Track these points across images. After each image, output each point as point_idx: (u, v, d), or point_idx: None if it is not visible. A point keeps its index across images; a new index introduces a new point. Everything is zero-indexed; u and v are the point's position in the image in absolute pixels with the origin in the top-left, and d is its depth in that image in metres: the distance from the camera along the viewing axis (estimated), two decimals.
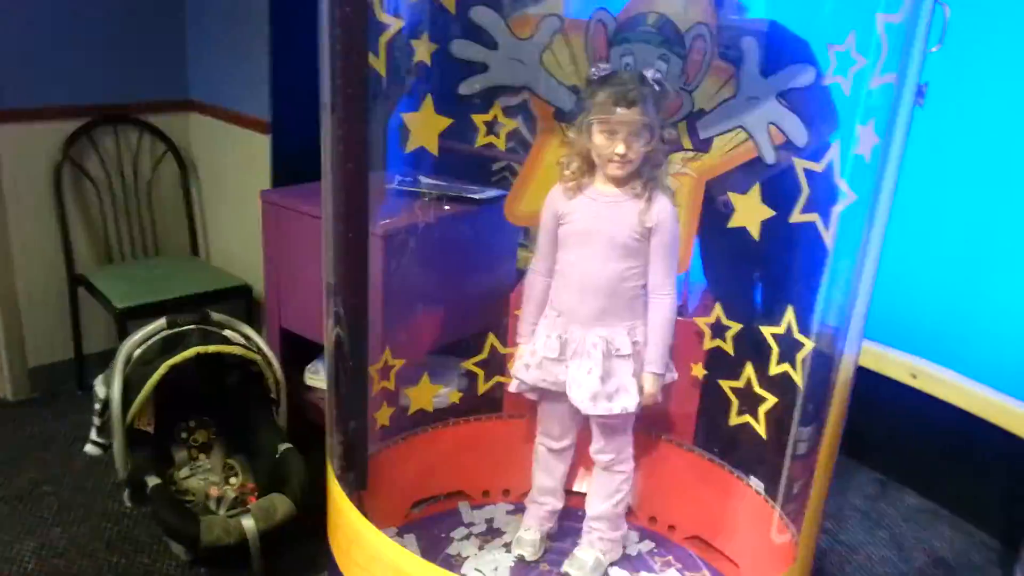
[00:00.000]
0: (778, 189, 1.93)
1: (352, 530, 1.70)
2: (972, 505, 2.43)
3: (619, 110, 1.68)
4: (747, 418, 2.10)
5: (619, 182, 1.77)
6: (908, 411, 2.47)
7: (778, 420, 2.03)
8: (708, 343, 2.16)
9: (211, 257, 3.14)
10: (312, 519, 1.97)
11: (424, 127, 1.99)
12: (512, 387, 1.97)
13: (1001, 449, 2.30)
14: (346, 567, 1.76)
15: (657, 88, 1.71)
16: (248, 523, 1.85)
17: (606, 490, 2.00)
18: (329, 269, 1.80)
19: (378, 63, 1.81)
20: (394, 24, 1.81)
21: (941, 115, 1.87)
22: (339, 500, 1.77)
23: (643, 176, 1.77)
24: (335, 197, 1.71)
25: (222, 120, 2.93)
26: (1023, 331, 2.33)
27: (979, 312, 2.23)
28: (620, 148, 1.69)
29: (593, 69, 1.79)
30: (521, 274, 2.23)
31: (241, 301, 2.78)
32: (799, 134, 1.90)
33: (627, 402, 1.83)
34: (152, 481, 1.94)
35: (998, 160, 2.32)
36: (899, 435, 2.51)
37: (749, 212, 1.97)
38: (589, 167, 1.79)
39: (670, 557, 2.14)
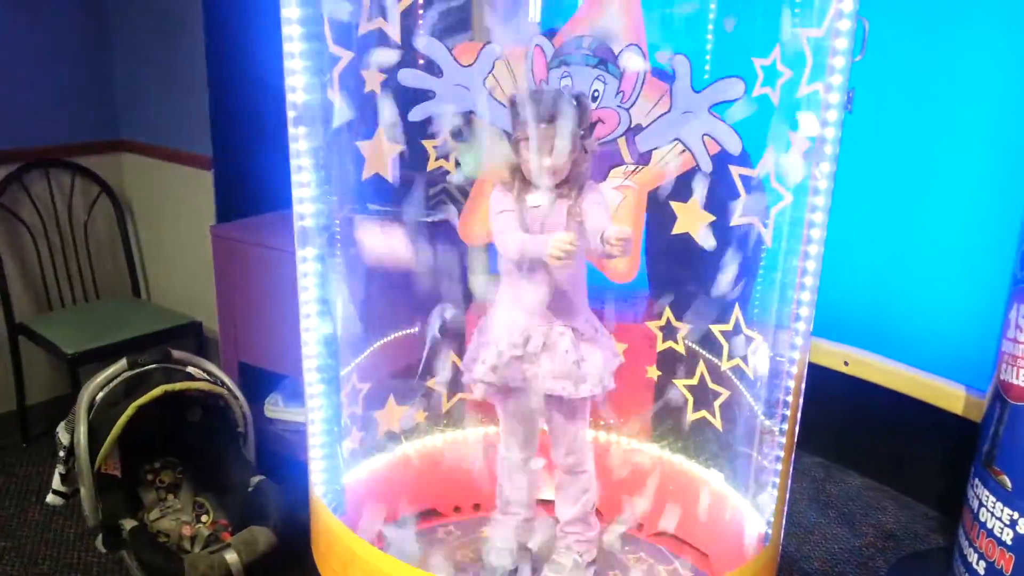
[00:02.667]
0: (717, 195, 2.06)
1: (347, 552, 1.73)
2: (911, 479, 2.60)
3: (543, 126, 1.77)
4: (703, 413, 2.22)
5: (550, 192, 1.86)
6: (843, 397, 2.63)
7: (731, 413, 2.16)
8: (660, 345, 2.27)
9: (154, 297, 3.10)
10: (291, 550, 1.98)
11: (377, 154, 2.05)
12: (477, 393, 2.01)
13: (931, 424, 2.48)
14: None
15: (575, 103, 1.81)
16: (231, 557, 1.85)
17: (573, 493, 2.07)
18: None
19: (333, 94, 1.87)
20: (345, 56, 1.87)
21: (870, 118, 2.04)
22: (329, 523, 1.79)
23: (573, 184, 1.86)
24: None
25: (158, 158, 2.92)
26: (941, 315, 2.53)
27: (901, 300, 2.41)
28: (547, 161, 1.79)
29: (514, 93, 1.89)
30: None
31: (191, 338, 2.76)
32: (732, 143, 2.03)
33: (605, 381, 1.93)
34: (128, 524, 1.92)
35: (920, 158, 2.52)
36: (837, 420, 2.67)
37: (691, 218, 2.10)
38: (523, 183, 1.88)
39: (641, 554, 2.23)
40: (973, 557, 2.05)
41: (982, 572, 2.02)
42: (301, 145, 1.78)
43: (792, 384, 1.88)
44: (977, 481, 2.06)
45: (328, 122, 1.86)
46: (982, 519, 2.01)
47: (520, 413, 2.02)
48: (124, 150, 3.00)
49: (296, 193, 1.80)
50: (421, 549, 2.03)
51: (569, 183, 1.85)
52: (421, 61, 2.05)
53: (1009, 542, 1.94)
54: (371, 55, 1.93)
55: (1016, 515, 1.93)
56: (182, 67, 2.70)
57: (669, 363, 2.27)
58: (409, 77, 2.09)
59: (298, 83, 1.74)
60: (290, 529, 2.00)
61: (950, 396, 2.42)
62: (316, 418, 1.97)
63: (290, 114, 1.74)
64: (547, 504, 2.20)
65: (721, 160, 2.03)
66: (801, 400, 1.91)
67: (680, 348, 2.24)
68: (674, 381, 2.26)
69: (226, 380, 2.22)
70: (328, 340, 2.02)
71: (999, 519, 1.96)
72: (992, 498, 1.98)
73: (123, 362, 2.12)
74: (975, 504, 2.05)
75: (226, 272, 2.46)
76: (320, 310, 1.97)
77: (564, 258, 1.70)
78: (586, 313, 1.95)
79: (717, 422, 2.20)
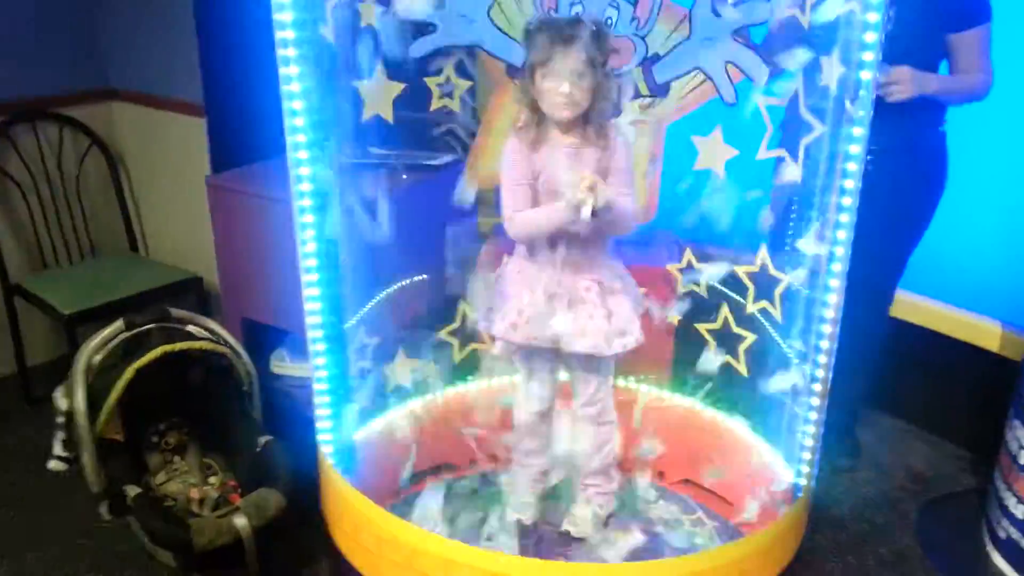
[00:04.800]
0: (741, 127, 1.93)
1: (359, 515, 1.66)
2: (941, 420, 2.52)
3: (558, 51, 1.64)
4: (726, 358, 2.13)
5: (570, 127, 1.74)
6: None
7: (758, 358, 2.06)
8: (681, 288, 2.17)
9: (153, 252, 3.00)
10: (301, 510, 1.91)
11: (377, 94, 1.92)
12: (498, 348, 1.93)
13: (964, 363, 2.38)
14: (352, 553, 1.72)
15: (593, 28, 1.68)
16: (241, 521, 1.78)
17: (594, 444, 1.99)
18: None
19: (327, 31, 1.74)
20: None
21: None
22: (340, 486, 1.72)
23: (592, 121, 1.74)
24: None
25: (149, 107, 2.79)
26: (975, 248, 2.41)
27: (933, 233, 2.27)
28: (564, 87, 1.66)
29: (529, 19, 1.76)
30: (483, 237, 2.20)
31: (192, 294, 2.66)
32: (758, 71, 1.89)
33: (637, 334, 1.83)
34: (132, 490, 1.85)
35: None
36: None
37: (712, 153, 1.97)
38: (539, 117, 1.75)
39: (662, 502, 2.16)
40: (1011, 500, 1.97)
41: (1020, 516, 1.94)
42: (294, 87, 1.65)
43: (826, 329, 1.77)
44: (1017, 423, 1.96)
45: (322, 62, 1.73)
46: (1022, 462, 1.93)
47: (543, 370, 1.93)
48: (114, 99, 2.86)
49: (290, 139, 1.68)
50: (438, 505, 1.97)
51: (591, 121, 1.72)
52: None
53: None
54: None
55: None
56: (168, 6, 2.55)
57: (690, 307, 2.16)
58: (408, 8, 1.95)
59: (287, 19, 1.60)
60: (300, 489, 1.92)
61: (986, 333, 2.31)
62: (321, 376, 1.89)
63: (280, 53, 1.61)
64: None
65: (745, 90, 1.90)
66: (835, 345, 1.81)
67: (702, 291, 2.13)
68: (696, 325, 2.16)
69: (228, 338, 2.13)
70: (331, 295, 1.93)
71: None
72: None
73: (120, 323, 2.02)
74: (1015, 447, 1.96)
75: (225, 225, 2.35)
76: (320, 263, 1.87)
77: (592, 201, 1.58)
78: (611, 262, 1.84)
79: (742, 367, 2.10)
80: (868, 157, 1.67)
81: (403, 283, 2.22)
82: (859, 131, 1.55)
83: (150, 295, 2.55)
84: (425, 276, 2.23)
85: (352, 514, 1.70)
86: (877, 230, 1.86)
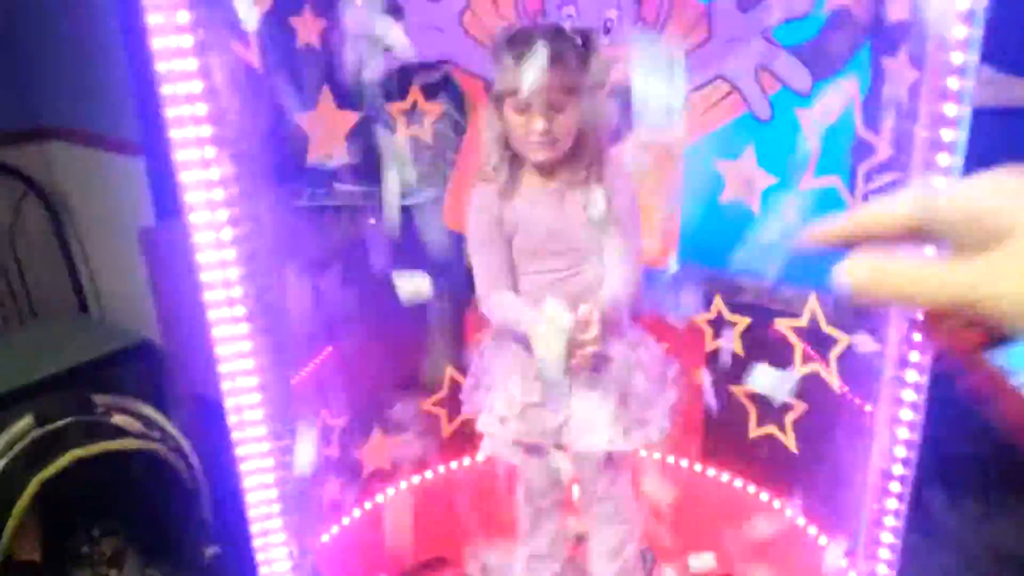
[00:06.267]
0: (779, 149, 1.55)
1: None
2: None
3: (529, 75, 1.26)
4: (771, 429, 1.74)
5: (551, 169, 1.36)
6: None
7: (809, 430, 1.68)
8: (710, 343, 1.79)
9: (107, 312, 2.65)
10: None
11: (325, 128, 1.57)
12: (485, 449, 1.56)
13: None
14: None
15: (579, 41, 1.30)
16: None
17: (612, 547, 1.62)
18: None
19: (250, 53, 1.38)
20: None
21: None
22: None
23: (584, 158, 1.36)
24: None
25: (91, 147, 2.45)
26: None
27: None
28: (538, 124, 1.28)
29: (496, 32, 1.39)
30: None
31: (142, 363, 2.31)
32: (799, 77, 1.51)
33: (661, 421, 1.47)
34: None
35: None
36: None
37: (743, 181, 1.59)
38: (513, 156, 1.37)
39: None
40: None
41: None
42: (203, 131, 1.28)
43: (907, 396, 1.37)
44: None
45: (244, 94, 1.37)
46: None
47: (543, 471, 1.55)
48: (50, 139, 2.52)
49: (192, 198, 1.32)
50: None
51: (581, 158, 1.35)
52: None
53: None
54: None
55: None
56: (98, 37, 2.21)
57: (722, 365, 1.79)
58: (358, 21, 1.59)
59: (185, 44, 1.23)
60: None
61: None
62: (259, 483, 1.50)
63: (168, 91, 1.24)
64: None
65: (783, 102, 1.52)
66: (921, 416, 1.41)
67: (737, 347, 1.75)
68: (731, 388, 1.78)
69: (167, 427, 1.79)
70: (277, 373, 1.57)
71: None
72: None
73: (29, 419, 1.68)
74: None
75: (164, 284, 2.01)
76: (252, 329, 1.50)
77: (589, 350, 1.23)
78: (625, 330, 1.46)
79: (790, 441, 1.72)
80: None
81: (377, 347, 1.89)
82: (946, 158, 1.14)
83: (90, 368, 2.21)
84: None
85: None
86: None
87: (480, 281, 1.41)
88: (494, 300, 1.39)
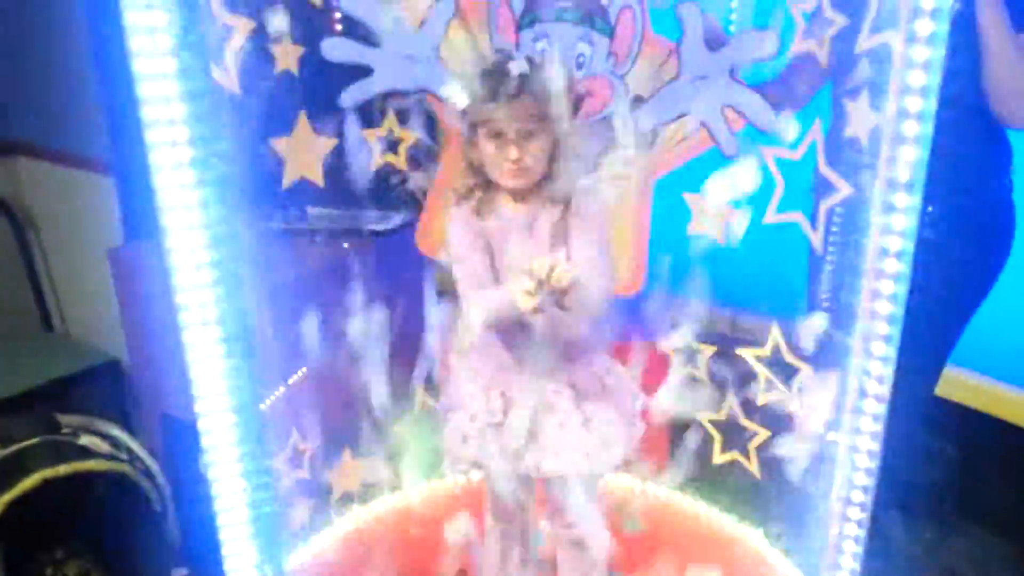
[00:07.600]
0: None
1: None
2: (984, 512, 2.16)
3: (501, 106, 1.30)
4: (735, 455, 1.78)
5: (525, 194, 1.40)
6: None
7: (773, 457, 1.72)
8: (677, 371, 1.82)
9: (72, 330, 2.62)
10: None
11: (301, 153, 1.59)
12: (447, 467, 1.58)
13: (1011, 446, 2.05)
14: None
15: (554, 70, 1.35)
16: None
17: (580, 572, 1.63)
18: None
19: (228, 79, 1.40)
20: (241, 27, 1.39)
21: None
22: None
23: (555, 183, 1.39)
24: None
25: (59, 164, 2.43)
26: None
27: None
28: (512, 153, 1.32)
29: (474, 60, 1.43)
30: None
31: (108, 382, 2.29)
32: (763, 116, 1.56)
33: (625, 443, 1.49)
34: None
35: None
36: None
37: (708, 215, 1.64)
38: (487, 184, 1.41)
39: None
40: None
41: None
42: (180, 154, 1.29)
43: (866, 425, 1.42)
44: None
45: (220, 118, 1.38)
46: None
47: (507, 486, 1.57)
48: (16, 154, 2.50)
49: (170, 220, 1.32)
50: None
51: (552, 185, 1.38)
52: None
53: None
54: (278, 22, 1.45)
55: None
56: (67, 51, 2.20)
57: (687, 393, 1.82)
58: (336, 49, 1.62)
59: (169, 68, 1.24)
60: None
61: None
62: (229, 504, 1.50)
63: (150, 114, 1.25)
64: None
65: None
66: (879, 445, 1.45)
67: (702, 375, 1.79)
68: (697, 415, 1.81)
69: (135, 448, 1.78)
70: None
71: None
72: None
73: None
74: None
75: (133, 305, 2.00)
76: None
77: (535, 305, 1.23)
78: (591, 356, 1.49)
79: (753, 467, 1.76)
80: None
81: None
82: (903, 199, 1.19)
83: (55, 387, 2.18)
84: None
85: None
86: (927, 297, 1.49)
87: (463, 286, 1.43)
88: (478, 297, 1.40)
